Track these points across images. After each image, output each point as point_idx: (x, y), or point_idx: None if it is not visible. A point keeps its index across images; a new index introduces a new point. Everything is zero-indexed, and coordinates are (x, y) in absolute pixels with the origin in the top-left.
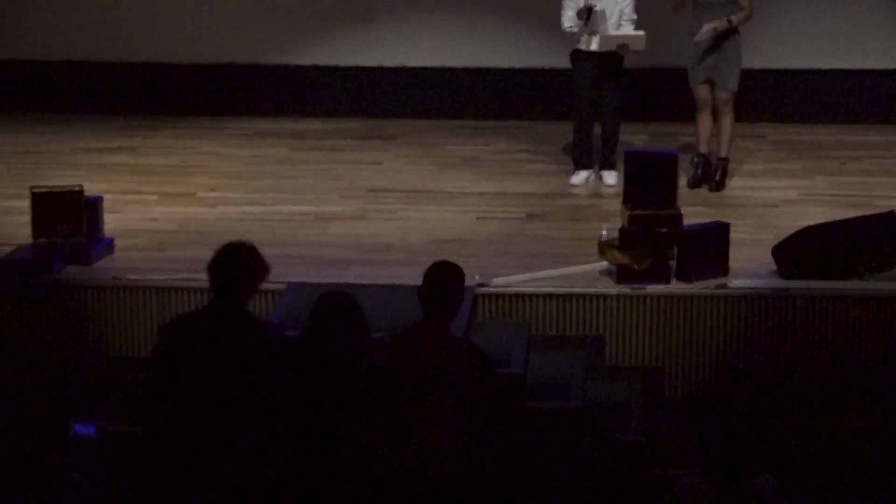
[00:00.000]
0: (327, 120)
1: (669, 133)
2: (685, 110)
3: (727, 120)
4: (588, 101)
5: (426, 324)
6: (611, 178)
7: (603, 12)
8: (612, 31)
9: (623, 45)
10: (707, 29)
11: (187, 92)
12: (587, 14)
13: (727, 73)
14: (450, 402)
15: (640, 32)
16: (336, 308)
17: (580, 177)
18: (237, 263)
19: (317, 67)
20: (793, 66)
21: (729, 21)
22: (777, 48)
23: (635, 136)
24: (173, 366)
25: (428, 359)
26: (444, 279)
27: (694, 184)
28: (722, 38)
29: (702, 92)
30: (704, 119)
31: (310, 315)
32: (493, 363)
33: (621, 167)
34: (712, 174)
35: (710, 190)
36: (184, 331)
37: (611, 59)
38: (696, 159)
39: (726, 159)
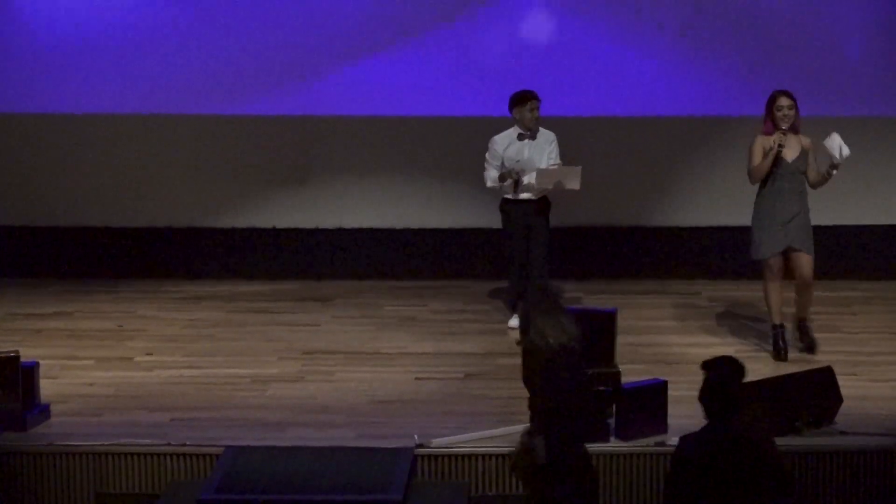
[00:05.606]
0: (264, 282)
1: (624, 291)
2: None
3: (812, 289)
4: (521, 247)
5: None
6: None
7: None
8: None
9: (559, 183)
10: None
11: (124, 256)
12: (515, 185)
13: (809, 238)
14: None
15: (575, 168)
16: None
17: (517, 320)
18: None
19: (253, 230)
20: (726, 223)
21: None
22: (710, 206)
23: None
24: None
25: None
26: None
27: (785, 355)
28: (801, 204)
29: (777, 262)
30: (778, 289)
31: None
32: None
33: None
34: (806, 340)
35: (806, 352)
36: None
37: (539, 204)
38: (776, 331)
39: (807, 319)
